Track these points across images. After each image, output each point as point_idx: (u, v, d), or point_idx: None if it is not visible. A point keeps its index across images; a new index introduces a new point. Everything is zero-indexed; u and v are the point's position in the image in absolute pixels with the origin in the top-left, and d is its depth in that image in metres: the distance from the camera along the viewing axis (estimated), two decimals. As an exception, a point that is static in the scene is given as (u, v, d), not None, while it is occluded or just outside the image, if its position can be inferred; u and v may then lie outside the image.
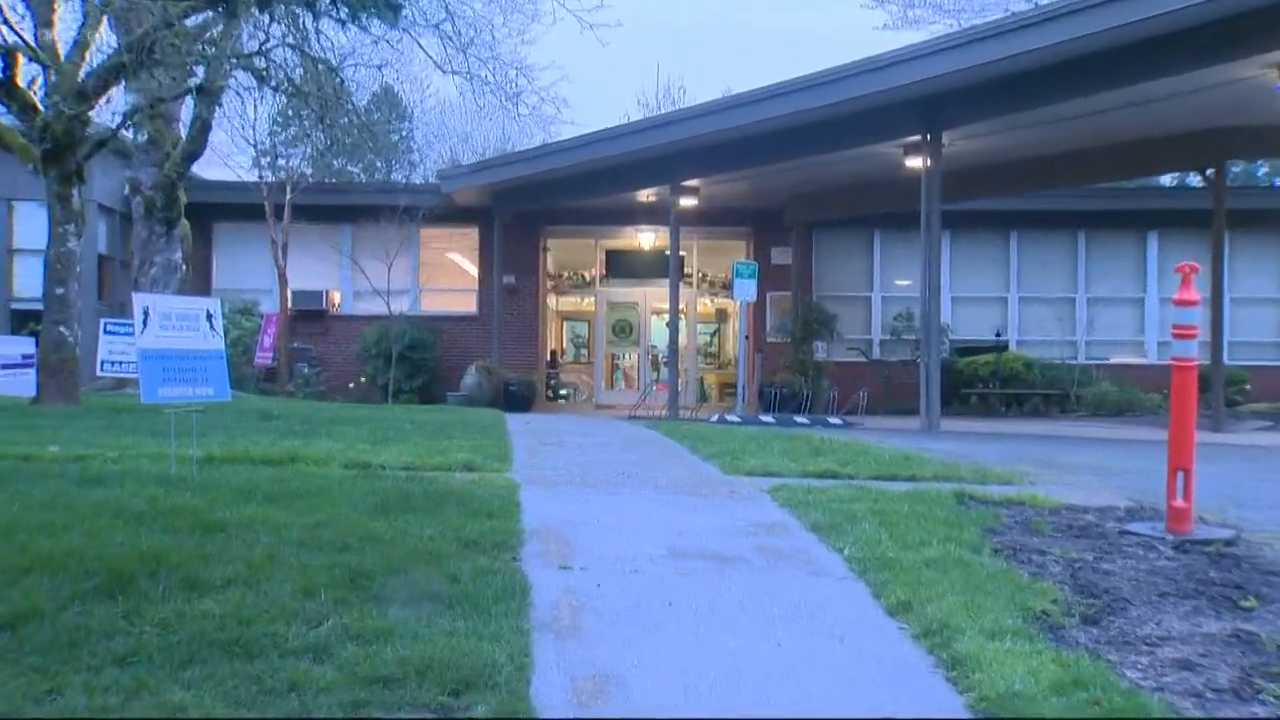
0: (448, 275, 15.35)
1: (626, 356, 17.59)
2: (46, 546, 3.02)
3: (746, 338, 13.86)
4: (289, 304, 14.47)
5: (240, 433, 6.38)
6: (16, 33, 7.88)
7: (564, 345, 19.28)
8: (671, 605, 2.89)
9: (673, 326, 12.83)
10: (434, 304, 15.21)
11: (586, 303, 17.52)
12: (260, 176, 14.89)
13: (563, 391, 16.73)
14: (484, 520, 3.80)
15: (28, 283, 13.14)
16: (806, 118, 10.40)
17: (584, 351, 19.14)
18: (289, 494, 4.09)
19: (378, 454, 5.60)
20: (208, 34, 8.80)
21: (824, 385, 13.33)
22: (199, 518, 3.53)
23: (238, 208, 14.60)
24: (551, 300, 17.36)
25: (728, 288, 14.34)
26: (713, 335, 19.08)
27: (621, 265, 16.36)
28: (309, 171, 16.00)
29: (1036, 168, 12.11)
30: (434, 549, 3.29)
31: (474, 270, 15.40)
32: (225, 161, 21.69)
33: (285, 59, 8.55)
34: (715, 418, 11.28)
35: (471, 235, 15.35)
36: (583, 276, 16.42)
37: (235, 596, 2.72)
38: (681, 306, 14.92)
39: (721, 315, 17.27)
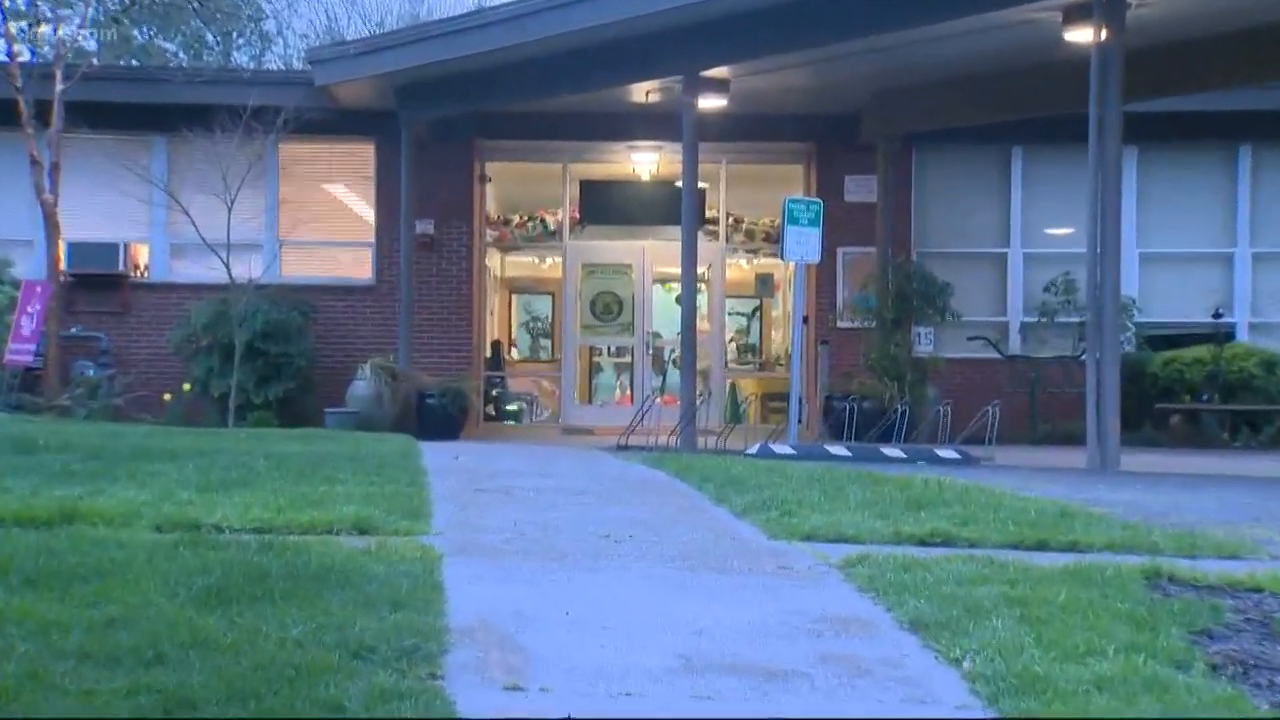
0: (326, 220, 15.41)
1: (613, 351, 17.68)
2: None
3: (805, 321, 13.93)
4: (63, 265, 14.44)
5: (-13, 474, 6.37)
6: None
7: (513, 334, 19.38)
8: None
9: (687, 302, 12.87)
10: (303, 266, 15.26)
11: (550, 265, 17.63)
12: (9, 53, 14.84)
13: (512, 407, 16.82)
14: (386, 613, 3.80)
15: None
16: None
17: (545, 343, 19.25)
18: (64, 574, 4.07)
19: (212, 508, 5.60)
20: None
21: (929, 396, 13.40)
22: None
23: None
24: (494, 261, 17.45)
25: (774, 241, 14.43)
26: (751, 317, 19.21)
27: (606, 205, 16.44)
28: (93, 47, 15.97)
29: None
30: (304, 661, 3.28)
31: (368, 213, 15.46)
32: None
33: None
34: (755, 448, 11.30)
35: (363, 156, 15.41)
36: (544, 223, 16.51)
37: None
38: (701, 271, 15.04)
39: (765, 285, 17.38)
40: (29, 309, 13.60)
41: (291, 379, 13.99)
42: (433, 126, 14.64)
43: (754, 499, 6.47)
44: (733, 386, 16.61)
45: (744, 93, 13.22)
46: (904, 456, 11.08)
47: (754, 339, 19.11)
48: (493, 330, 17.44)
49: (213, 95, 14.29)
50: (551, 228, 16.37)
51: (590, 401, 17.02)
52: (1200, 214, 15.33)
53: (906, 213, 15.07)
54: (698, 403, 12.45)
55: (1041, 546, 5.35)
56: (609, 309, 16.47)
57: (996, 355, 14.73)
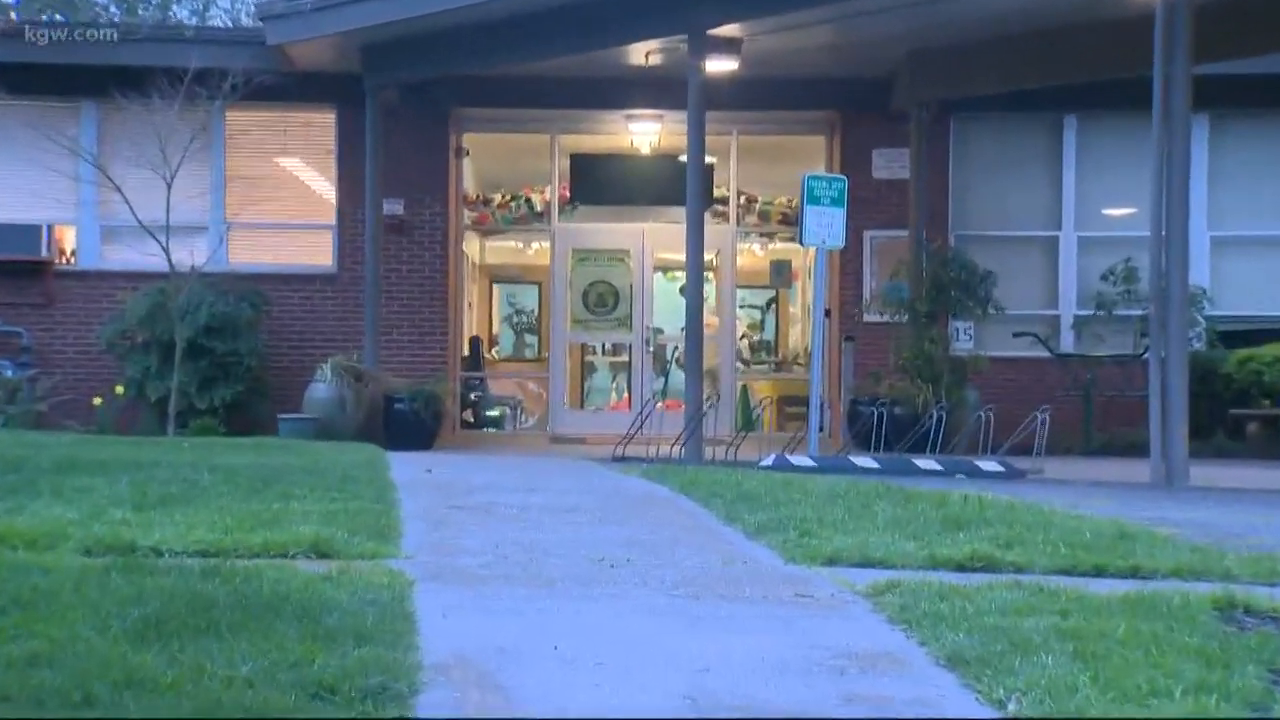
0: (280, 200, 15.45)
1: (608, 349, 17.69)
2: None
3: (827, 314, 13.94)
4: (-21, 250, 14.53)
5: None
6: None
7: (495, 329, 19.40)
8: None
9: (692, 293, 12.88)
10: (254, 252, 15.32)
11: (536, 251, 17.66)
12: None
13: (493, 412, 16.85)
14: (349, 648, 3.80)
15: None
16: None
17: (531, 340, 19.29)
18: (-18, 602, 4.08)
19: (150, 529, 5.61)
20: None
21: (969, 400, 13.42)
22: None
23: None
24: (473, 246, 17.48)
25: (792, 223, 14.44)
26: (765, 310, 19.25)
27: (601, 183, 16.47)
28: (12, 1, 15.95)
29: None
30: (255, 702, 3.28)
31: (329, 191, 15.49)
32: None
33: None
34: (770, 459, 11.32)
35: (323, 126, 15.45)
36: (529, 203, 16.54)
37: None
38: (709, 257, 15.01)
39: (781, 273, 17.40)
40: (-61, 300, 13.61)
41: (240, 381, 14.00)
42: (403, 92, 14.65)
43: (769, 517, 6.49)
44: (744, 389, 16.63)
45: (758, 54, 13.20)
46: (940, 469, 11.12)
47: (769, 335, 19.15)
48: (471, 325, 17.47)
49: (150, 55, 14.28)
50: (538, 208, 16.39)
51: (582, 406, 17.05)
52: (1282, 193, 15.34)
53: (943, 190, 15.09)
54: (705, 408, 12.46)
55: (1098, 572, 5.37)
56: (603, 301, 16.47)
57: (1046, 354, 14.74)
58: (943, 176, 15.10)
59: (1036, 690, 3.59)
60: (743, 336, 17.80)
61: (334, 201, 15.31)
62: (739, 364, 16.70)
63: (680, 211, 13.23)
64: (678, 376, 15.67)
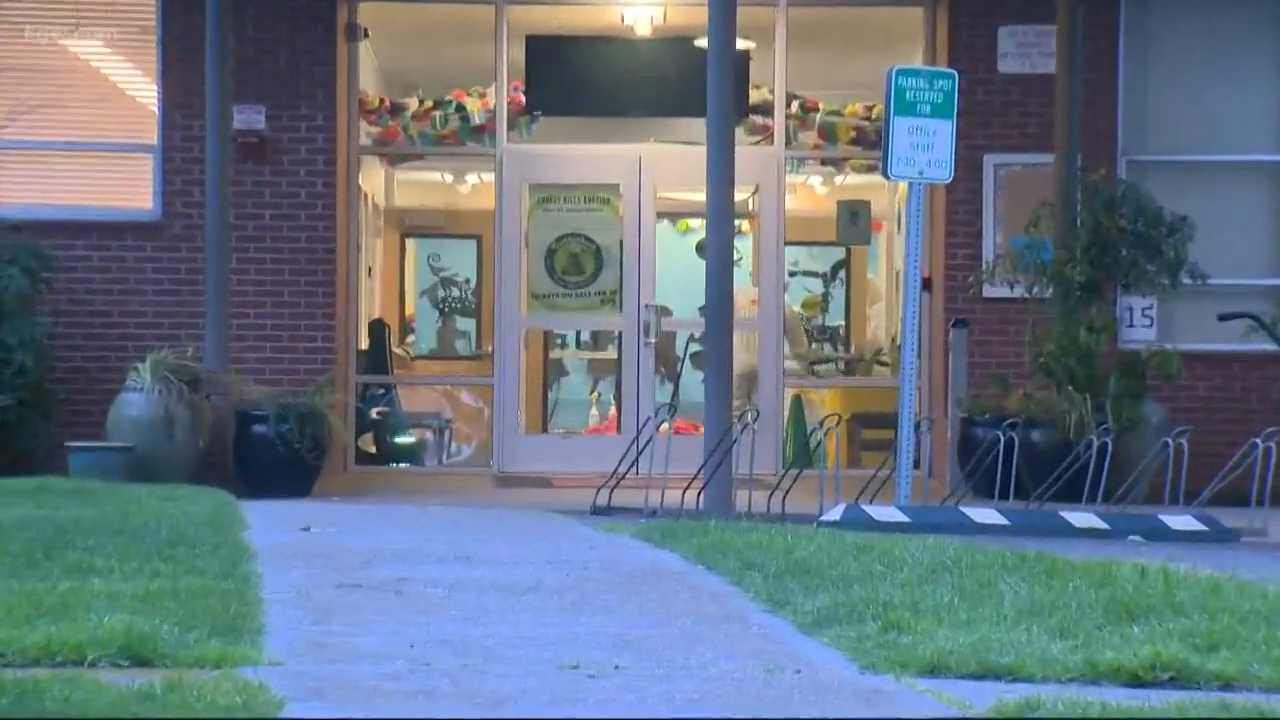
0: (71, 106, 15.49)
1: (585, 341, 17.66)
2: None
3: (926, 286, 13.92)
4: None
5: None
6: None
7: (409, 309, 19.33)
8: None
9: (716, 254, 12.86)
10: (30, 188, 15.40)
11: (474, 188, 17.70)
12: None
13: (406, 439, 16.90)
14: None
15: None
16: None
17: (466, 327, 19.23)
18: None
19: None
20: None
21: (1150, 419, 13.47)
22: None
23: None
24: (375, 179, 17.46)
25: (872, 144, 14.42)
26: (831, 280, 19.20)
27: (573, 82, 16.43)
28: None
29: None
30: None
31: (147, 93, 15.50)
32: None
33: None
34: (838, 511, 11.34)
35: (140, -8, 15.41)
36: (462, 113, 16.53)
37: None
38: (743, 198, 14.87)
39: (854, 222, 17.40)
40: None
41: (7, 389, 13.98)
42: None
43: (835, 601, 6.47)
44: (797, 403, 16.66)
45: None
46: (1104, 527, 11.10)
47: (835, 318, 19.14)
48: (373, 304, 17.45)
49: None
50: (476, 120, 16.40)
51: (545, 429, 17.08)
52: None
53: (1109, 94, 15.14)
54: (736, 431, 12.45)
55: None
56: (578, 265, 16.43)
57: (1272, 346, 14.68)
58: (1108, 72, 15.15)
59: None
60: (795, 321, 17.78)
61: (156, 109, 15.30)
62: (789, 363, 16.72)
63: (696, 126, 13.23)
64: (693, 383, 15.67)
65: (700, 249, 13.77)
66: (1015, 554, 7.99)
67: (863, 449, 16.47)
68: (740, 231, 14.81)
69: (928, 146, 11.87)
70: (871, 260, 18.47)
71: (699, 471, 12.23)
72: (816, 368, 18.07)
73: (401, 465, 16.50)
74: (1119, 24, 15.29)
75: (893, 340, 16.13)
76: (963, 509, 11.72)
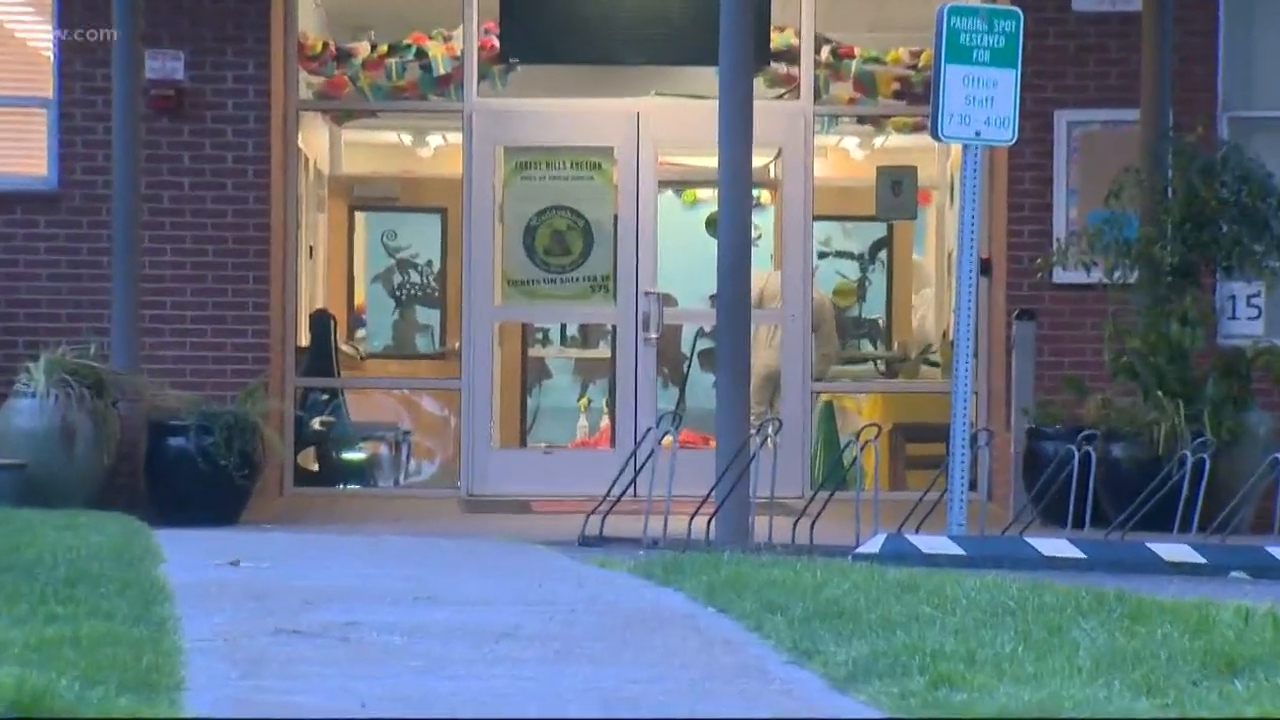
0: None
1: (572, 337, 17.72)
2: None
3: (984, 269, 14.01)
4: None
5: None
6: None
7: (359, 299, 19.37)
8: None
9: (730, 231, 12.95)
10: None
11: (437, 151, 17.78)
12: None
13: (356, 454, 16.96)
14: None
15: None
16: None
17: (428, 319, 19.24)
18: None
19: None
20: None
21: (1257, 430, 13.58)
22: None
23: None
24: (318, 141, 17.50)
25: (919, 98, 14.54)
26: (869, 262, 19.26)
27: (556, 23, 16.42)
28: None
29: None
30: None
31: (41, 35, 15.57)
32: None
33: None
34: (877, 541, 11.40)
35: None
36: (423, 58, 16.53)
37: None
38: (762, 162, 14.86)
39: (897, 193, 17.46)
40: None
41: None
42: None
43: (873, 650, 6.50)
44: (829, 410, 16.72)
45: None
46: (1200, 561, 11.11)
47: (875, 309, 19.20)
48: (315, 291, 17.51)
49: None
50: (441, 69, 16.45)
51: (522, 442, 17.13)
52: None
53: (1209, 38, 15.21)
54: (755, 445, 12.54)
55: None
56: (563, 245, 16.50)
57: None
58: (1208, 10, 15.21)
59: None
60: (825, 311, 17.83)
61: (50, 55, 15.38)
62: (820, 364, 16.81)
63: (706, 76, 13.29)
64: (703, 387, 15.75)
65: (711, 225, 13.84)
66: (1092, 594, 8.03)
67: (907, 467, 16.52)
68: (759, 204, 14.86)
69: (986, 101, 11.92)
70: (918, 239, 18.51)
71: (710, 493, 12.32)
72: (852, 369, 18.09)
73: (350, 486, 16.54)
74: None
75: (944, 336, 16.21)
76: (1028, 539, 11.73)
